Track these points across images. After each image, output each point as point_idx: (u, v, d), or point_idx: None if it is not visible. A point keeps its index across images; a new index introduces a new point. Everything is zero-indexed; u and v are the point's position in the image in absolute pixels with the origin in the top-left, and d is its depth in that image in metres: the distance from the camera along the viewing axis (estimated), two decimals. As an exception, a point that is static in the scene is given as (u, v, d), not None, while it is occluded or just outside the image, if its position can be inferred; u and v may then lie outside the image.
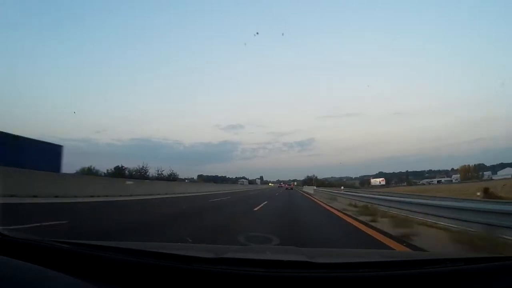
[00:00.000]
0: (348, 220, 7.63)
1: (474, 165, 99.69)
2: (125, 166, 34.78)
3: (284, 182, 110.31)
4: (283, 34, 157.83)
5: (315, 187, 39.43)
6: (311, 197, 22.57)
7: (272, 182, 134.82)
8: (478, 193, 28.91)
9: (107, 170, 34.26)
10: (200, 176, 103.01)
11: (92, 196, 12.39)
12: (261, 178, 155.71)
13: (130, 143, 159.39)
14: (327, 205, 13.46)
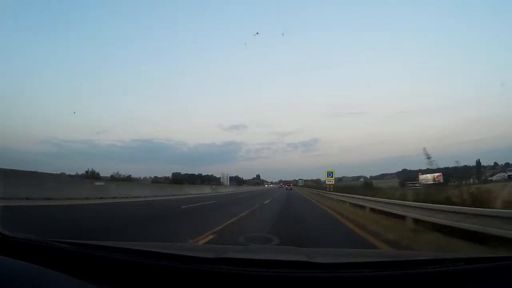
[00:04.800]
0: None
1: None
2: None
3: (285, 182, 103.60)
4: (283, 34, 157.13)
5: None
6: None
7: (274, 183, 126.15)
8: None
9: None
10: (176, 175, 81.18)
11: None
12: (258, 176, 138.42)
13: (132, 144, 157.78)
14: None
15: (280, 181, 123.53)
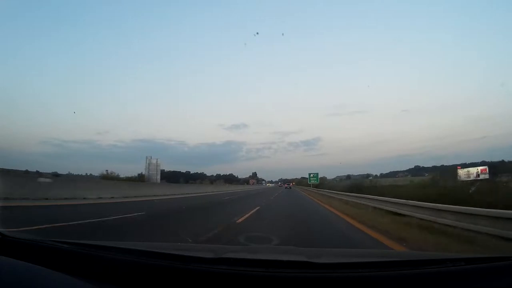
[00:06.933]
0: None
1: None
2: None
3: (285, 181, 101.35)
4: (283, 34, 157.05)
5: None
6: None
7: (274, 182, 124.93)
8: None
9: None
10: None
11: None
12: (254, 174, 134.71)
13: (133, 144, 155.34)
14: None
15: (280, 180, 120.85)
